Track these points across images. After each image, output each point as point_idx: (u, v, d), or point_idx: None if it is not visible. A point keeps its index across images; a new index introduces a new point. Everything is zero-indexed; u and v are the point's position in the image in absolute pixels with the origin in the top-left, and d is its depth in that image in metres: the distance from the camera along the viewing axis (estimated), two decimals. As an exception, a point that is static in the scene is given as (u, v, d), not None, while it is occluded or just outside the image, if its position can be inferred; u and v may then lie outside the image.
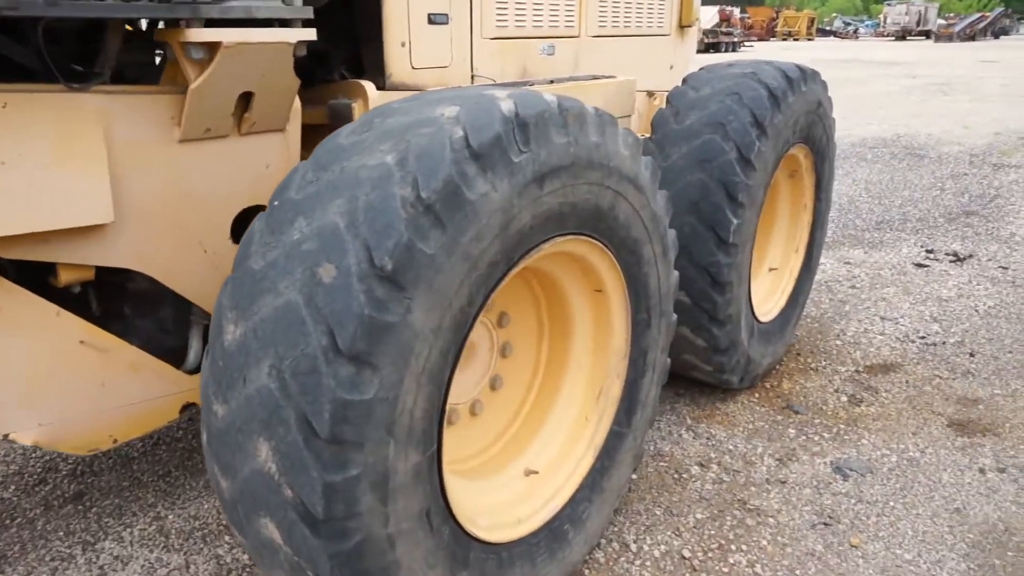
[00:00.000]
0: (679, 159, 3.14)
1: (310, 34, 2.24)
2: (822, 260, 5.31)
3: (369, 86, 2.73)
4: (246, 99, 2.27)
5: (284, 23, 2.19)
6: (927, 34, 57.20)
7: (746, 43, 50.09)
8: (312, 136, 2.78)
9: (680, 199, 3.10)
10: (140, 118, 2.14)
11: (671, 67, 4.65)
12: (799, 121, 3.45)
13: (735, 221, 3.05)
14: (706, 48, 41.51)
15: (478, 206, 1.64)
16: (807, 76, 3.47)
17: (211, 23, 2.03)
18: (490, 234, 1.70)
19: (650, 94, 4.46)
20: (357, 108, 2.73)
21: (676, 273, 2.61)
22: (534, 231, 1.86)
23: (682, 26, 4.64)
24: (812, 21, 67.40)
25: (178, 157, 2.24)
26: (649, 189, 2.28)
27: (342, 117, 2.75)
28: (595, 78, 3.36)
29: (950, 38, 52.23)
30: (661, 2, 4.36)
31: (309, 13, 2.22)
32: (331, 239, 1.56)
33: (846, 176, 8.55)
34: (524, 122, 1.75)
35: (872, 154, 9.84)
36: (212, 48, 2.05)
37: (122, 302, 2.53)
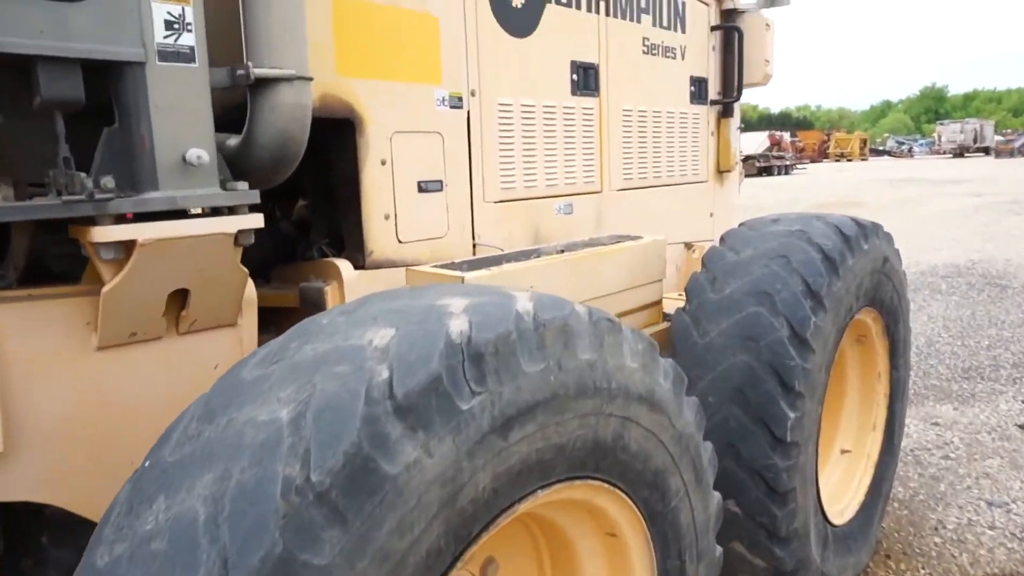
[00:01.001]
0: (719, 336, 2.62)
1: (255, 221, 1.88)
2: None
3: (345, 266, 2.36)
4: (183, 294, 1.90)
5: (224, 210, 1.85)
6: (986, 151, 56.50)
7: (799, 165, 50.31)
8: (292, 320, 2.41)
9: (722, 385, 2.55)
10: (45, 327, 1.78)
11: (710, 215, 4.23)
12: (863, 284, 2.92)
13: (792, 415, 2.46)
14: (758, 172, 41.76)
15: (402, 483, 1.15)
16: (867, 231, 2.97)
17: (126, 217, 1.70)
18: (425, 516, 1.19)
19: (688, 246, 4.01)
20: (330, 292, 2.36)
21: (717, 497, 2.02)
22: (500, 494, 1.34)
23: (721, 171, 4.26)
24: (864, 142, 67.88)
25: (96, 366, 1.86)
26: (671, 405, 1.76)
27: (313, 303, 2.37)
28: (618, 240, 2.93)
29: (1011, 154, 51.32)
30: (695, 148, 4.01)
31: (255, 198, 1.88)
32: (184, 541, 1.08)
33: (920, 311, 7.79)
34: (478, 352, 1.28)
35: (946, 284, 9.07)
36: (128, 246, 1.70)
37: (39, 531, 2.09)
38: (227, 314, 2.04)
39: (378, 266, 2.46)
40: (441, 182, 2.62)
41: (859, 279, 2.87)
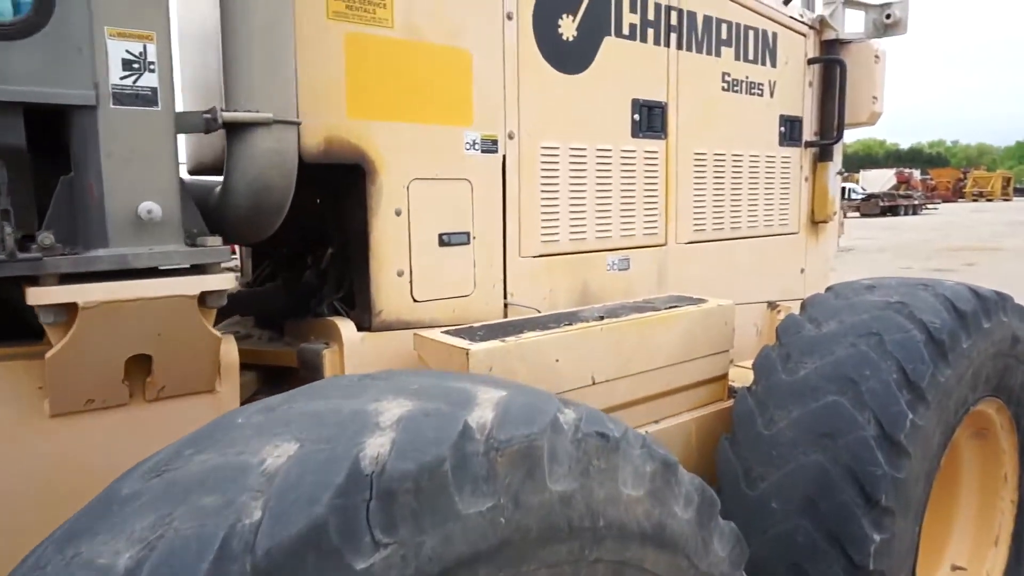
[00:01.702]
0: (788, 428, 2.17)
1: (222, 282, 1.67)
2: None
3: (347, 327, 2.12)
4: (148, 358, 1.70)
5: (190, 269, 1.65)
6: None
7: (929, 205, 46.74)
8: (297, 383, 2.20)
9: (790, 490, 2.09)
10: (-7, 390, 1.62)
11: (801, 271, 3.71)
12: (982, 371, 2.36)
13: (876, 537, 1.97)
14: (882, 212, 39.07)
15: None
16: (989, 305, 2.41)
17: (71, 277, 1.52)
18: None
19: (772, 306, 3.52)
20: (328, 356, 2.12)
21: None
22: None
23: (815, 222, 3.74)
24: (1008, 180, 62.38)
25: (49, 435, 1.69)
26: (691, 541, 1.36)
27: (311, 366, 2.13)
28: (675, 303, 2.54)
29: None
30: (784, 196, 3.53)
31: (223, 256, 1.67)
32: None
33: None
34: (390, 488, 0.97)
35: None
36: (71, 309, 1.52)
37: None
38: (201, 380, 1.83)
39: (388, 327, 2.20)
40: (468, 234, 2.34)
41: (977, 366, 2.32)
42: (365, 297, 2.17)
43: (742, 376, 2.82)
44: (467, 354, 1.88)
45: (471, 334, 2.04)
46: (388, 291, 2.18)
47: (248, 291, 2.66)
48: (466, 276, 2.36)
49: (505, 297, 2.48)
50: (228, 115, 1.60)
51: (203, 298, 1.69)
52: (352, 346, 2.10)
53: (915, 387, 2.08)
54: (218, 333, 1.77)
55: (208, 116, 1.59)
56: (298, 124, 1.75)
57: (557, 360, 2.07)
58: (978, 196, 57.50)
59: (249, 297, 2.59)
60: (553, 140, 2.55)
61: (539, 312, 2.48)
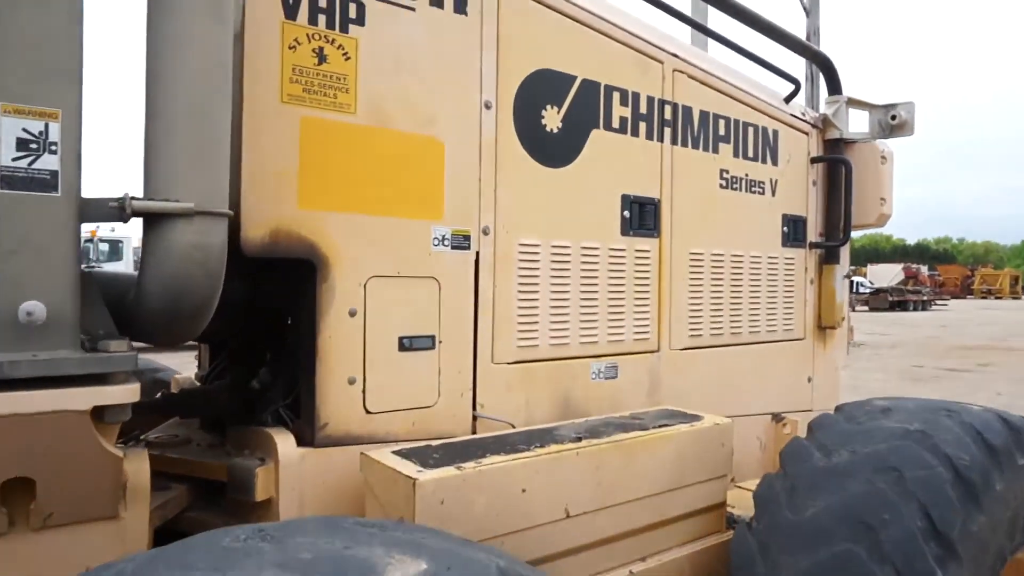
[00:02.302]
0: (795, 579, 1.84)
1: (125, 395, 1.42)
2: None
3: (285, 441, 1.85)
4: (31, 482, 1.44)
5: (80, 379, 1.41)
6: None
7: (938, 301, 46.49)
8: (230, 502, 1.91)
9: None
10: None
11: (808, 379, 3.43)
12: (1021, 514, 2.05)
13: None
14: (891, 307, 38.81)
15: None
16: (1023, 438, 2.12)
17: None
18: None
19: (777, 418, 3.22)
20: (262, 474, 1.84)
21: None
22: None
23: (823, 327, 3.49)
24: (1016, 279, 62.47)
25: None
26: None
27: (241, 487, 1.85)
28: (665, 421, 2.26)
29: None
30: (788, 300, 3.30)
31: (127, 363, 1.43)
32: None
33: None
34: None
35: None
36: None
37: None
38: (98, 504, 1.55)
39: (334, 443, 1.93)
40: (433, 338, 2.10)
41: (1015, 509, 2.01)
42: (310, 407, 1.91)
43: (743, 501, 2.50)
44: (413, 485, 1.60)
45: (424, 457, 1.76)
46: (336, 400, 1.93)
47: (194, 389, 2.41)
48: (429, 384, 2.10)
49: (474, 409, 2.21)
50: (140, 204, 1.40)
51: (100, 412, 1.44)
52: (289, 464, 1.83)
53: (944, 539, 1.77)
54: (117, 451, 1.51)
55: (115, 204, 1.39)
56: (228, 216, 1.54)
57: (524, 490, 1.78)
58: (987, 293, 57.35)
59: (193, 396, 2.33)
60: (533, 237, 2.35)
61: (513, 426, 2.21)
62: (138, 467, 1.64)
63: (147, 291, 1.49)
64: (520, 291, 2.31)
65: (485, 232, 2.22)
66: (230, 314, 1.95)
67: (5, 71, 1.28)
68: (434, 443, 1.92)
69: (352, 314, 1.94)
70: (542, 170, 2.36)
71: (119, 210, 1.39)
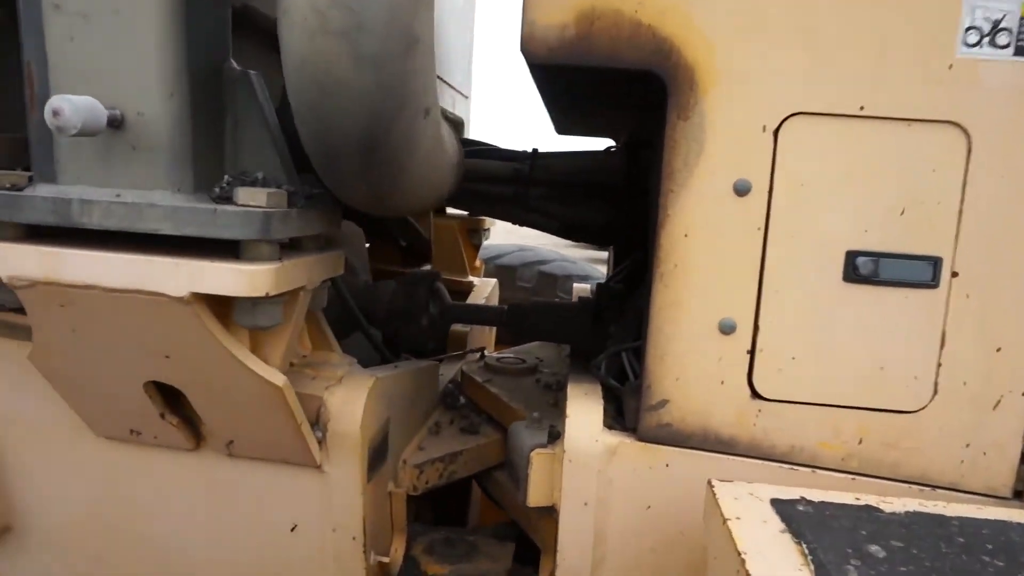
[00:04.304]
0: None
1: (254, 280, 0.82)
2: None
3: (584, 415, 1.05)
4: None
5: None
6: None
7: None
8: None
9: None
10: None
11: None
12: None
13: None
14: None
15: None
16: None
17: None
18: None
19: None
20: (537, 466, 1.07)
21: None
22: None
23: None
24: None
25: (98, 457, 1.18)
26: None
27: (512, 471, 1.13)
28: None
29: None
30: None
31: (264, 228, 0.81)
32: None
33: None
34: None
35: None
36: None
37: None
38: (281, 445, 1.04)
39: (676, 440, 1.01)
40: (936, 264, 0.92)
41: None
42: (642, 367, 1.02)
43: None
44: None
45: (840, 545, 0.70)
46: (688, 362, 0.98)
47: (541, 304, 1.74)
48: (913, 362, 0.95)
49: (1029, 439, 0.95)
50: None
51: (225, 306, 0.87)
52: (580, 457, 0.99)
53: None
54: (274, 375, 0.93)
55: None
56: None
57: None
58: None
59: (538, 313, 1.65)
60: None
61: None
62: (345, 407, 1.05)
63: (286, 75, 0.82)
64: None
65: None
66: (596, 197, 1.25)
67: None
68: (878, 504, 0.81)
69: (741, 190, 0.94)
70: None
71: None
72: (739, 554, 0.70)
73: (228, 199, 0.86)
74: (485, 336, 2.20)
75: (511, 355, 1.71)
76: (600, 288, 1.74)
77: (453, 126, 2.30)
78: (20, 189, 0.87)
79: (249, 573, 1.19)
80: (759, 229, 0.95)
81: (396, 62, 0.75)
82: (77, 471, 1.17)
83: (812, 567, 0.68)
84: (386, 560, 1.16)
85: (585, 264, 2.80)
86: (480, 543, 1.32)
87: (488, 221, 2.34)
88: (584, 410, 1.04)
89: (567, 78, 1.09)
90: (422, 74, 0.79)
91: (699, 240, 0.96)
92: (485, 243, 2.94)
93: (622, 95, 1.26)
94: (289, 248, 0.95)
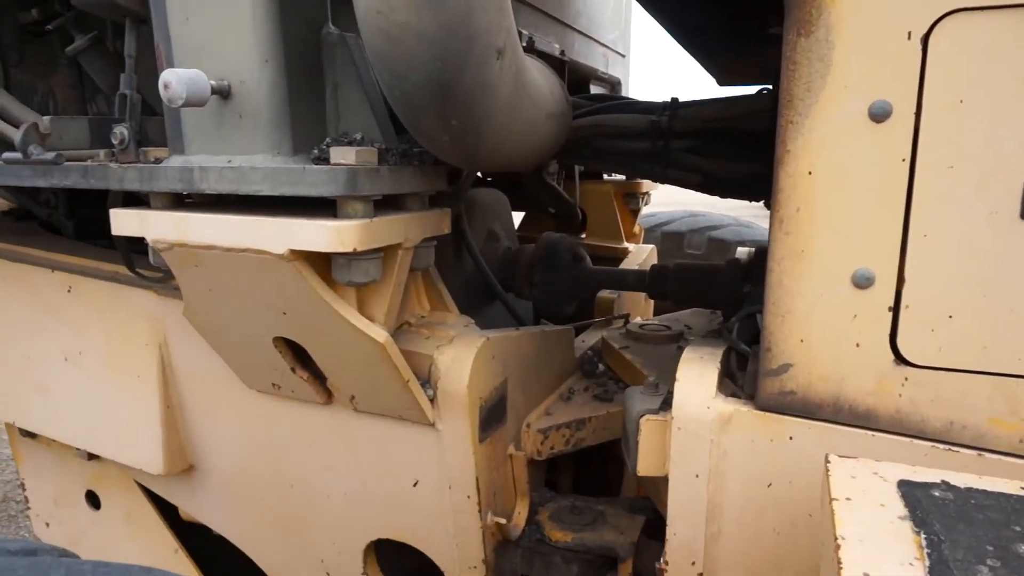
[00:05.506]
0: None
1: (351, 235, 0.85)
2: None
3: (696, 379, 0.98)
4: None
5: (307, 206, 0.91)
6: None
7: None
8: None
9: None
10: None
11: None
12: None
13: None
14: None
15: None
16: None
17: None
18: None
19: None
20: (647, 433, 1.02)
21: None
22: None
23: None
24: None
25: (246, 408, 1.31)
26: None
27: (624, 439, 1.08)
28: None
29: None
30: None
31: (359, 183, 0.85)
32: None
33: None
34: None
35: None
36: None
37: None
38: (393, 400, 1.09)
39: (802, 411, 0.88)
40: None
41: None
42: (764, 326, 0.90)
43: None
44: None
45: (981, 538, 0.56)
46: (815, 320, 0.85)
47: (693, 266, 1.60)
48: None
49: None
50: None
51: (327, 264, 0.91)
52: (689, 425, 0.91)
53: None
54: (375, 331, 0.96)
55: None
56: None
57: None
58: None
59: (687, 275, 1.54)
60: None
61: None
62: (454, 366, 1.05)
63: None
64: None
65: None
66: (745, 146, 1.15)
67: None
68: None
69: (878, 115, 0.78)
70: None
71: None
72: (836, 539, 0.59)
73: (326, 160, 0.89)
74: (640, 304, 2.11)
75: (656, 322, 1.62)
76: (758, 250, 1.58)
77: (608, 85, 2.22)
78: (159, 163, 0.98)
79: (382, 523, 1.25)
80: (904, 160, 0.79)
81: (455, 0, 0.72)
82: (238, 420, 1.31)
83: (927, 563, 0.55)
84: (503, 521, 1.16)
85: (764, 227, 2.58)
86: (609, 513, 1.27)
87: (647, 185, 2.23)
88: (695, 374, 0.94)
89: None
90: (488, 11, 0.76)
91: (826, 178, 0.82)
92: (651, 210, 2.81)
93: (755, 30, 1.12)
94: (389, 207, 0.97)
